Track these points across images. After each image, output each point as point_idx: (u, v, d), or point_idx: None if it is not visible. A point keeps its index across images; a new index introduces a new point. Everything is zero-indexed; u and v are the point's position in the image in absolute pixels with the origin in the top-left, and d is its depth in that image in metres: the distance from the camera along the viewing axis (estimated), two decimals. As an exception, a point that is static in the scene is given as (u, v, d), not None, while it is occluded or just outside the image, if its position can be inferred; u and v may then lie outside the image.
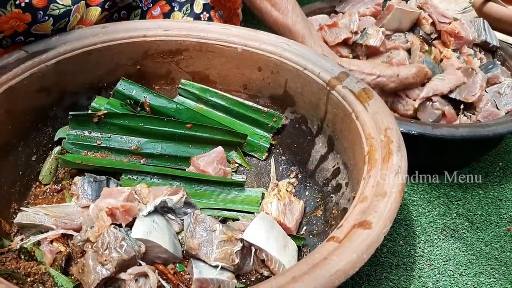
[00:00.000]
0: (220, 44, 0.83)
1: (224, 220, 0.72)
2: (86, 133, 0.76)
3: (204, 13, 0.99)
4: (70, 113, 0.75)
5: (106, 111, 0.76)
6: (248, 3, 0.93)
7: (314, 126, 0.80)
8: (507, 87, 0.93)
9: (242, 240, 0.63)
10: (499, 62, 1.04)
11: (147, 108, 0.79)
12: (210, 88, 0.85)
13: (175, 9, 0.98)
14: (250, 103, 0.84)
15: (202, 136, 0.79)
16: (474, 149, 0.93)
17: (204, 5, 0.99)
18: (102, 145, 0.77)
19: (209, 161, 0.76)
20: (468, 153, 0.93)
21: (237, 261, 0.62)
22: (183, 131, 0.78)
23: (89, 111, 0.79)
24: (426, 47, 0.96)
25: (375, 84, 0.89)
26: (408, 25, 1.02)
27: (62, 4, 0.76)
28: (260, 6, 0.90)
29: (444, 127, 0.83)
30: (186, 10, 0.99)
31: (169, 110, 0.81)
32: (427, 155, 0.89)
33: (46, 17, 0.76)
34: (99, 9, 0.84)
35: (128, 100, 0.79)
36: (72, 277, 0.60)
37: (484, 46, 1.07)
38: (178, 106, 0.81)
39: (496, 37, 1.09)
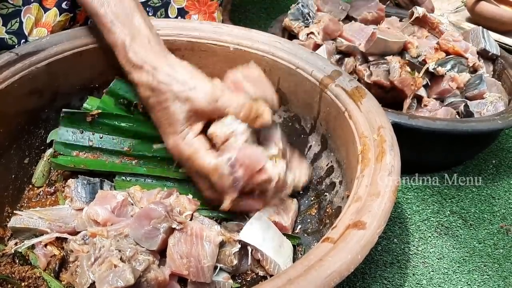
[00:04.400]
0: (212, 43, 0.83)
1: (217, 221, 0.72)
2: (78, 132, 0.75)
3: (179, 18, 0.99)
4: (63, 110, 0.74)
5: (100, 111, 0.75)
6: None
7: (307, 125, 0.80)
8: (490, 104, 0.94)
9: (240, 241, 0.63)
10: (488, 75, 1.03)
11: (140, 109, 0.79)
12: (203, 88, 0.85)
13: (150, 13, 0.97)
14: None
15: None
16: (464, 146, 0.93)
17: (178, 9, 0.99)
18: (94, 145, 0.76)
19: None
20: (458, 151, 0.93)
21: (235, 262, 0.62)
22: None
23: (89, 98, 0.79)
24: (409, 69, 0.96)
25: None
26: (394, 50, 1.01)
27: (12, 4, 0.75)
28: None
29: (421, 118, 0.83)
30: (161, 14, 0.98)
31: None
32: (421, 151, 0.90)
33: None
34: (55, 9, 0.83)
35: (121, 100, 0.78)
36: (63, 283, 0.60)
37: (483, 54, 1.06)
38: None
39: (496, 45, 1.07)
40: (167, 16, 0.99)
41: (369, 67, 1.00)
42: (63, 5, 0.84)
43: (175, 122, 0.63)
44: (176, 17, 0.99)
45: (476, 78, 0.98)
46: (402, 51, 1.02)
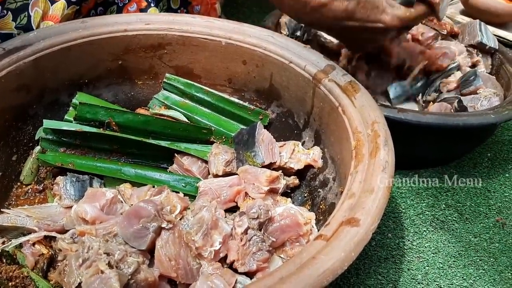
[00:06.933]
0: (204, 37, 0.82)
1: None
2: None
3: (182, 8, 0.98)
4: (44, 125, 0.73)
5: (81, 129, 0.73)
6: None
7: (301, 120, 0.79)
8: (484, 99, 0.92)
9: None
10: (484, 70, 1.02)
11: (114, 127, 0.75)
12: (195, 84, 0.83)
13: (152, 4, 0.96)
14: (236, 100, 0.83)
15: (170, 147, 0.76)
16: (458, 141, 0.92)
17: (181, 0, 0.97)
18: (81, 143, 0.74)
19: (193, 160, 0.74)
20: (451, 146, 0.92)
21: None
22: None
23: (71, 108, 0.77)
24: None
25: None
26: None
27: None
28: None
29: (411, 112, 0.81)
30: (163, 5, 0.97)
31: (137, 124, 0.76)
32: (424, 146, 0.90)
33: (5, 11, 0.75)
34: (63, 2, 0.82)
35: (92, 123, 0.75)
36: (51, 283, 0.59)
37: (481, 48, 1.05)
38: (146, 118, 0.76)
39: (494, 39, 1.06)
40: (169, 7, 0.98)
41: None
42: None
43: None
44: (179, 8, 0.98)
45: (470, 74, 0.97)
46: None
